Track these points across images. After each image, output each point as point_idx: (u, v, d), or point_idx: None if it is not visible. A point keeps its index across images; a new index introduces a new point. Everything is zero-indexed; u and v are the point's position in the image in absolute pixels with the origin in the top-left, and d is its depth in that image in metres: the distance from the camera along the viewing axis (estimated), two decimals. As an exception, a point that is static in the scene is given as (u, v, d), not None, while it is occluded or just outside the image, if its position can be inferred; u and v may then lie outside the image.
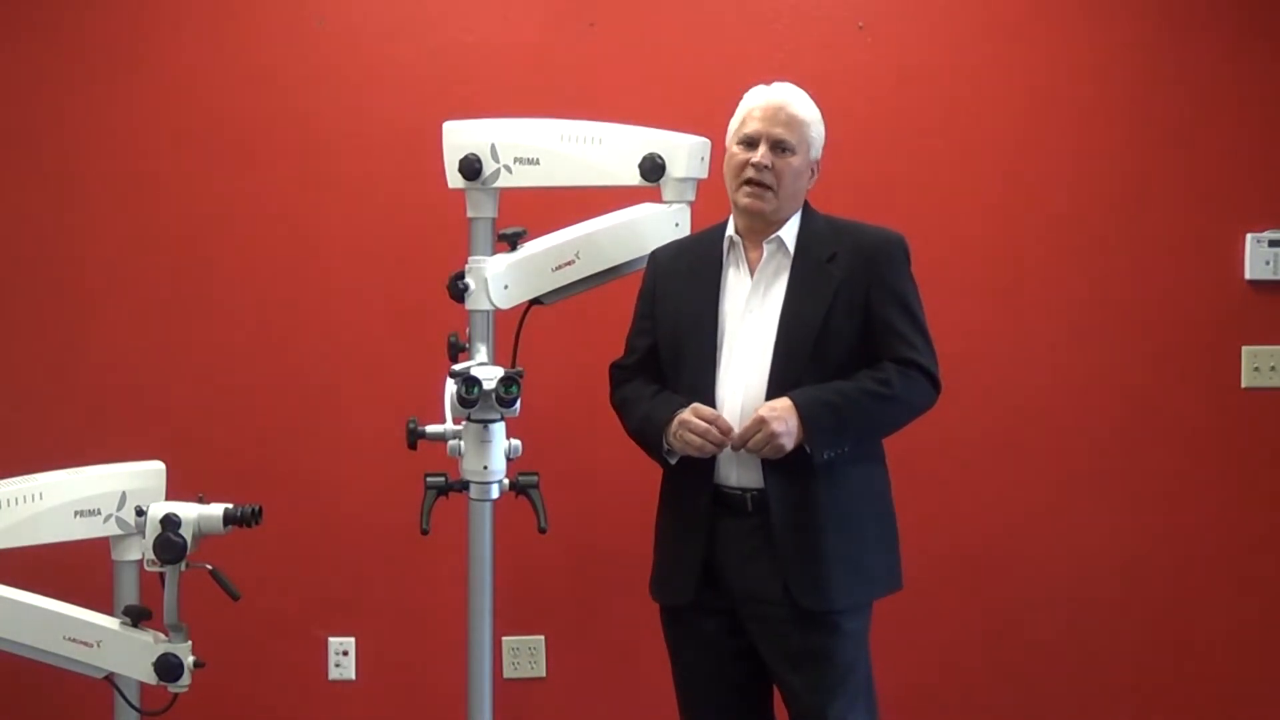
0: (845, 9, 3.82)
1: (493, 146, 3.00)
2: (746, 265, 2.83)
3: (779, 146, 2.78)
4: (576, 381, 3.62)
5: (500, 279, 2.95)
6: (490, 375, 2.73)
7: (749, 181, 2.77)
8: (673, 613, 2.90)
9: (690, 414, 2.72)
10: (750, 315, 2.80)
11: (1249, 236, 3.87)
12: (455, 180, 3.01)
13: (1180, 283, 3.88)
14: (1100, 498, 3.90)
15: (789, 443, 2.67)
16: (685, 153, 3.01)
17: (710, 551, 2.79)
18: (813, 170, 2.85)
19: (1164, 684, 3.91)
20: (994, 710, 3.90)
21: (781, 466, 2.71)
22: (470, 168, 2.98)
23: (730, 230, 2.86)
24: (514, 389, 2.72)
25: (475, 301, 2.95)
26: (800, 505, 2.73)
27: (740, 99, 2.86)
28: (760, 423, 2.67)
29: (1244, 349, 3.89)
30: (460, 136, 3.01)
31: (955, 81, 3.84)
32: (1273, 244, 3.86)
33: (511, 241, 2.99)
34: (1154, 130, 3.87)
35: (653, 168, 3.00)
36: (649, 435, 2.82)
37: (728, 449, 2.73)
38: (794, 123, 2.79)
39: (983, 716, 3.90)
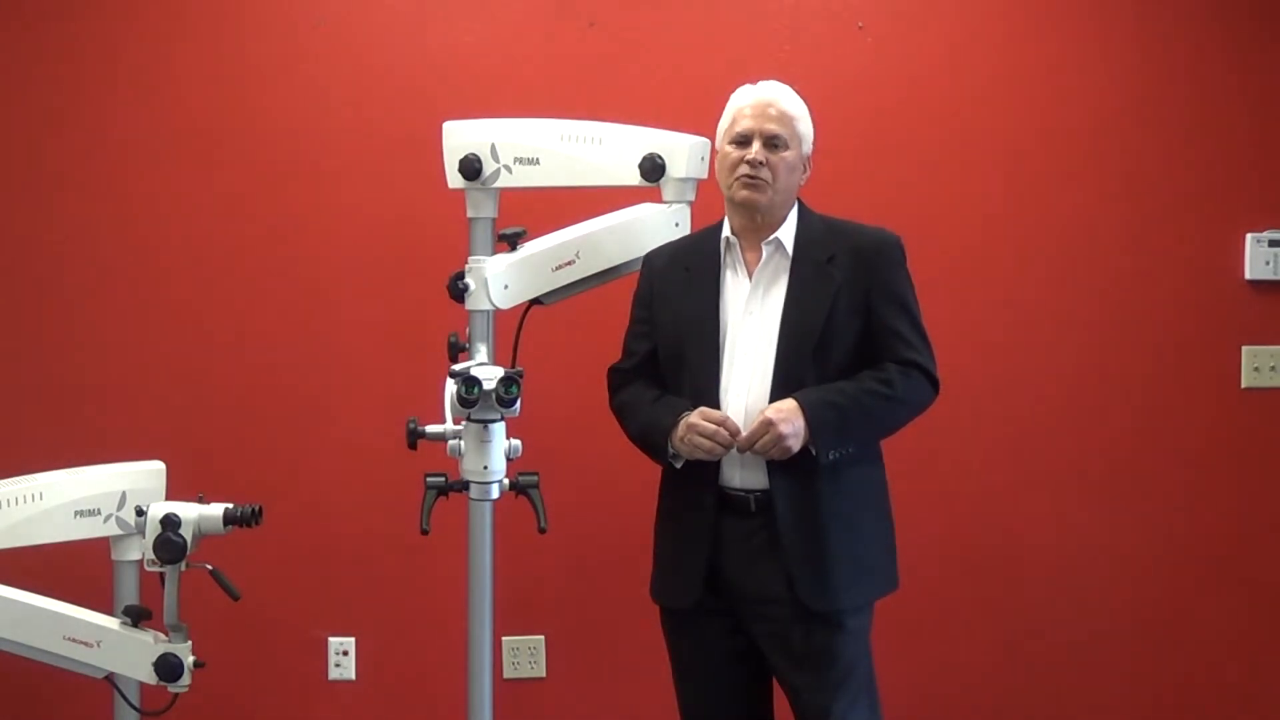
0: (845, 9, 3.82)
1: (493, 146, 3.00)
2: (744, 266, 2.83)
3: (772, 142, 2.78)
4: (576, 381, 3.60)
5: (500, 279, 2.95)
6: (490, 375, 2.73)
7: (745, 176, 2.77)
8: (674, 614, 2.90)
9: (698, 417, 2.72)
10: (750, 317, 2.80)
11: (1249, 236, 3.87)
12: (455, 180, 3.01)
13: (1180, 283, 3.88)
14: (1100, 497, 3.90)
15: (796, 444, 2.68)
16: (685, 153, 3.01)
17: (714, 553, 2.78)
18: (805, 165, 2.85)
19: (1163, 683, 3.91)
20: (994, 709, 3.90)
21: (786, 467, 2.71)
22: (470, 168, 2.98)
23: (726, 231, 2.86)
24: (514, 389, 2.72)
25: (475, 301, 2.95)
26: (805, 506, 2.73)
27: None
28: (767, 425, 2.67)
29: (1244, 349, 3.89)
30: (460, 136, 3.01)
31: (955, 81, 3.84)
32: (1273, 244, 3.86)
33: (511, 241, 2.99)
34: (1154, 131, 3.87)
35: (653, 168, 3.00)
36: (653, 439, 2.81)
37: (733, 451, 2.72)
38: (785, 118, 2.80)
39: (984, 715, 3.90)
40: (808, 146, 2.85)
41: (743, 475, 2.76)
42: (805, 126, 2.84)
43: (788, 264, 2.80)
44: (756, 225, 2.81)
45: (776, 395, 2.72)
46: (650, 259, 2.96)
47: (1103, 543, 3.89)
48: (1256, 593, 3.93)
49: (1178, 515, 3.90)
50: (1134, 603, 3.91)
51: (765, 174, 2.76)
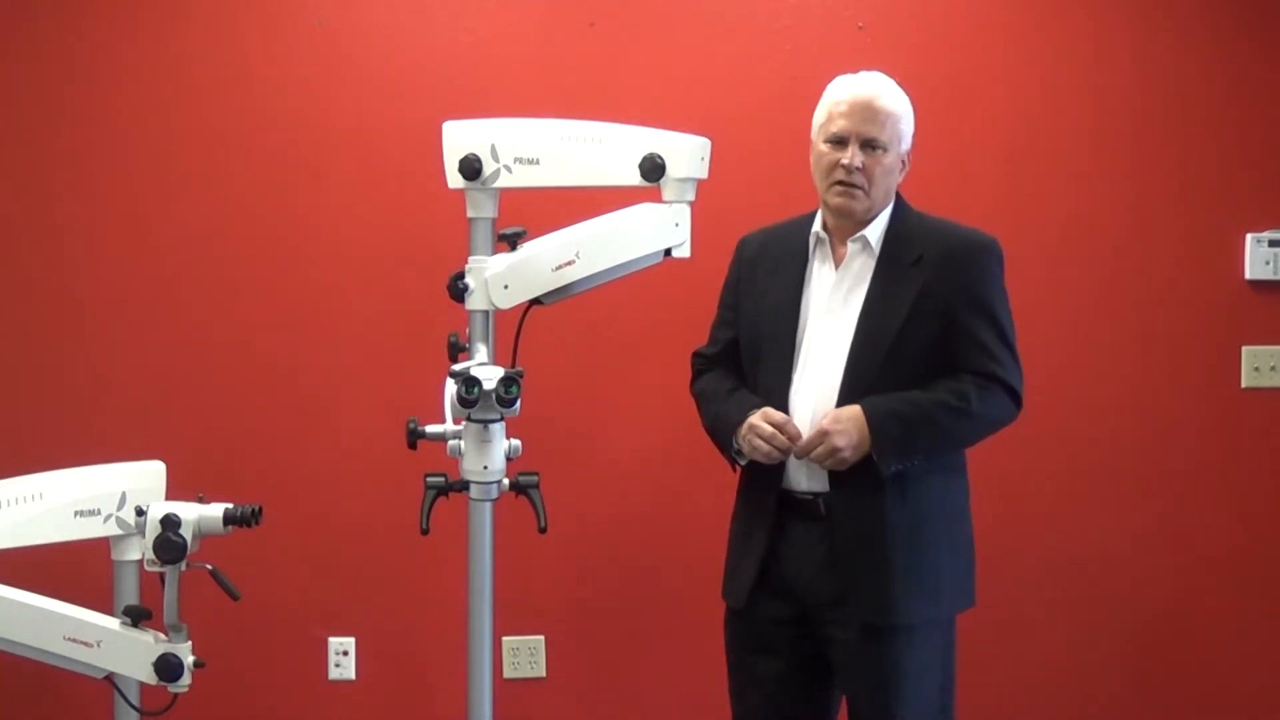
0: (845, 9, 3.82)
1: (493, 146, 2.99)
2: (833, 262, 2.76)
3: (870, 145, 2.69)
4: (576, 381, 3.62)
5: (500, 279, 2.94)
6: (490, 375, 2.72)
7: (840, 182, 2.69)
8: (735, 615, 2.84)
9: (759, 418, 2.66)
10: (830, 316, 2.73)
11: (1249, 236, 3.87)
12: (455, 180, 3.00)
13: (1180, 283, 3.88)
14: (1100, 497, 3.90)
15: (852, 455, 2.60)
16: (685, 153, 3.00)
17: (777, 555, 2.73)
18: (904, 163, 2.77)
19: (1163, 683, 3.91)
20: (994, 707, 3.90)
21: (848, 475, 2.64)
22: (470, 168, 2.97)
23: (817, 226, 2.80)
24: (514, 389, 2.71)
25: (475, 301, 2.95)
26: (865, 515, 2.66)
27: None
28: (822, 435, 2.60)
29: (1244, 349, 3.89)
30: (460, 136, 3.00)
31: (955, 82, 3.84)
32: (1273, 244, 3.86)
33: (511, 241, 2.98)
34: (1154, 130, 3.87)
35: (653, 168, 2.99)
36: (721, 434, 2.78)
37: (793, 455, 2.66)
38: (884, 118, 2.70)
39: (981, 713, 3.90)
40: (907, 143, 2.75)
41: (809, 479, 2.70)
42: (907, 124, 2.74)
43: (873, 264, 2.73)
44: (848, 226, 2.75)
45: (843, 401, 2.65)
46: (742, 245, 2.91)
47: (1102, 542, 3.89)
48: (1256, 592, 3.93)
49: (1177, 515, 3.90)
50: (1134, 602, 3.91)
51: (860, 179, 2.68)
